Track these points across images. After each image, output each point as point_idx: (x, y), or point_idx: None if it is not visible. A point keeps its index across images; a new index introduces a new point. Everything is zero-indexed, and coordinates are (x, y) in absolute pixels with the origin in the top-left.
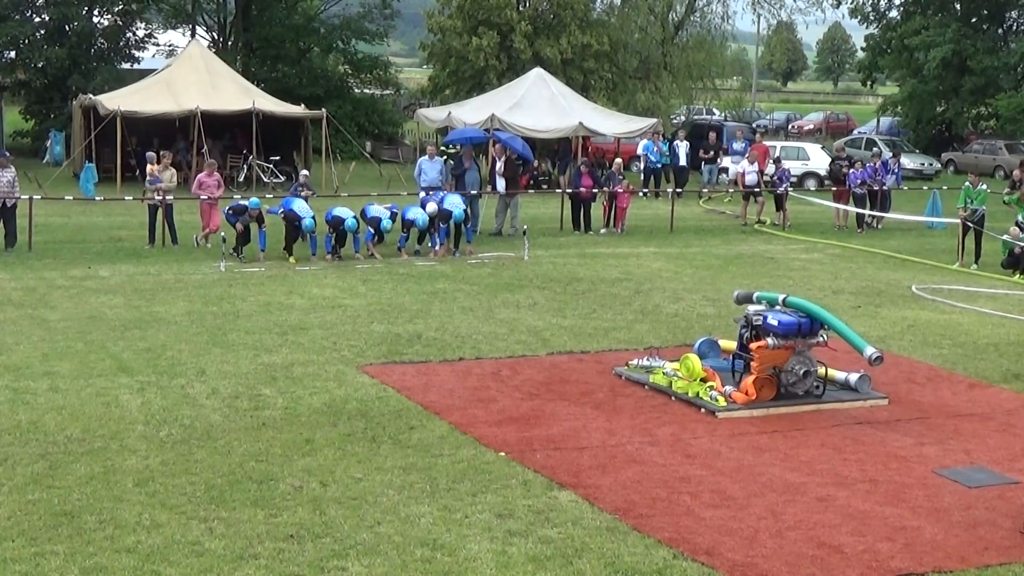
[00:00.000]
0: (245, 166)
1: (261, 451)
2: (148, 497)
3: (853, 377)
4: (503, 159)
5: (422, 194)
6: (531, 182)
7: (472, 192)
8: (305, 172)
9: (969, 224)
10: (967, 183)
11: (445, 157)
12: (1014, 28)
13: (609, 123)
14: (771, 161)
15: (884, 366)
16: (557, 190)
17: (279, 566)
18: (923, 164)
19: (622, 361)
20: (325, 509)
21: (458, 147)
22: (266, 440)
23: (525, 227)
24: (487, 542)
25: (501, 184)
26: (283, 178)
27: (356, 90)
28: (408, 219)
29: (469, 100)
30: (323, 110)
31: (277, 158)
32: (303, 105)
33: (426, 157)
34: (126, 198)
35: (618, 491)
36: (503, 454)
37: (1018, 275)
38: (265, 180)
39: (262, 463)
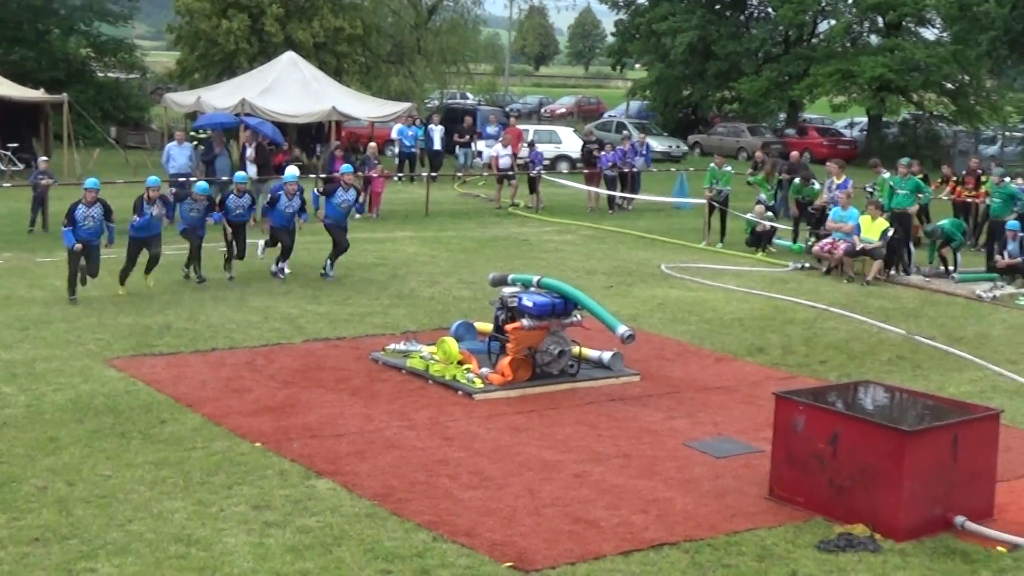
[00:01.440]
0: None
1: (2, 452)
2: None
3: (606, 355)
4: (254, 145)
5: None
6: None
7: (223, 178)
8: (44, 159)
9: (715, 204)
10: (712, 164)
11: (195, 143)
12: (755, 15)
13: (363, 107)
14: (525, 144)
15: (636, 343)
16: (311, 175)
17: (23, 571)
18: (671, 146)
19: (379, 346)
20: (72, 509)
21: (208, 132)
22: (7, 440)
23: None
24: (244, 535)
25: (252, 170)
26: (22, 166)
27: (100, 74)
28: None
29: (219, 84)
30: (64, 95)
31: (15, 145)
32: (43, 89)
33: (174, 143)
34: None
35: (377, 477)
36: (259, 444)
37: (760, 253)
38: (3, 168)
39: (3, 464)
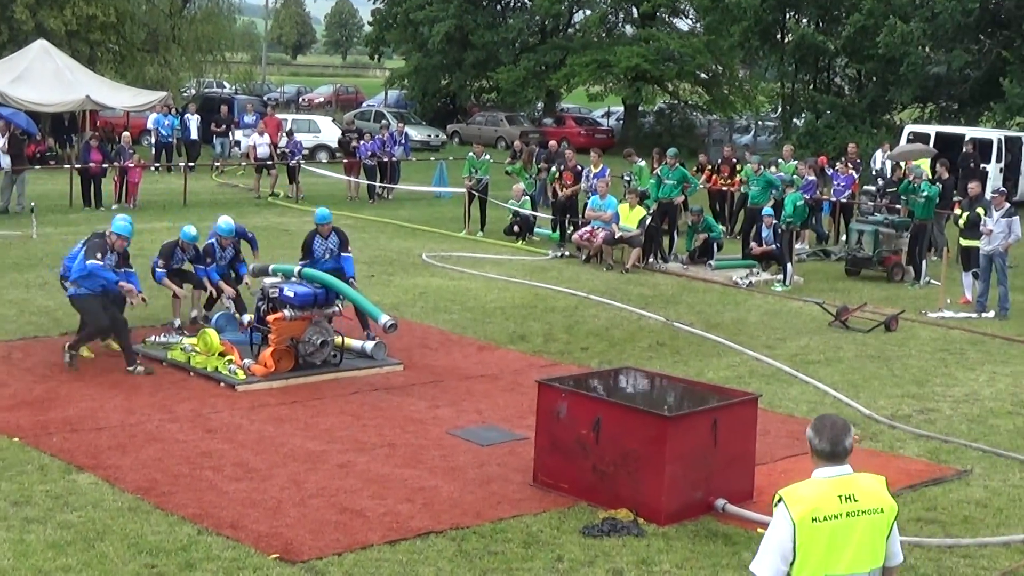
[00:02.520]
0: None
1: None
2: None
3: (369, 345)
4: (7, 135)
5: None
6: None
7: None
8: None
9: (474, 193)
10: (471, 153)
11: None
12: (512, 5)
13: (118, 96)
14: (284, 134)
15: (399, 332)
16: (66, 166)
17: None
18: (430, 136)
19: (137, 339)
20: None
21: None
22: None
23: (32, 204)
24: (3, 531)
25: (5, 161)
26: None
27: None
28: None
29: None
30: None
31: None
32: None
33: None
34: None
35: (139, 470)
36: (17, 439)
37: (520, 241)
38: None
39: None
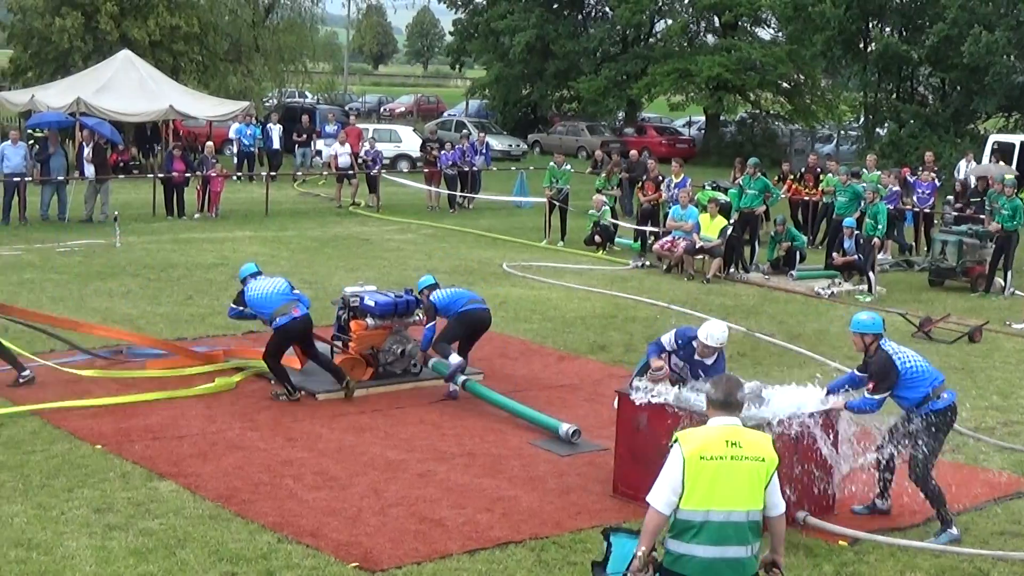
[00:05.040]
0: None
1: None
2: None
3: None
4: (91, 145)
5: None
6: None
7: (59, 178)
8: None
9: (555, 203)
10: (552, 163)
11: (31, 142)
12: (593, 15)
13: (200, 106)
14: (365, 142)
15: (479, 341)
16: (149, 175)
17: None
18: (510, 145)
19: (221, 346)
20: None
21: (43, 131)
22: None
23: (116, 213)
24: (85, 538)
25: (90, 170)
26: None
27: None
28: None
29: (53, 83)
30: None
31: None
32: None
33: (8, 142)
34: None
35: (220, 478)
36: (100, 447)
37: (601, 251)
38: None
39: None
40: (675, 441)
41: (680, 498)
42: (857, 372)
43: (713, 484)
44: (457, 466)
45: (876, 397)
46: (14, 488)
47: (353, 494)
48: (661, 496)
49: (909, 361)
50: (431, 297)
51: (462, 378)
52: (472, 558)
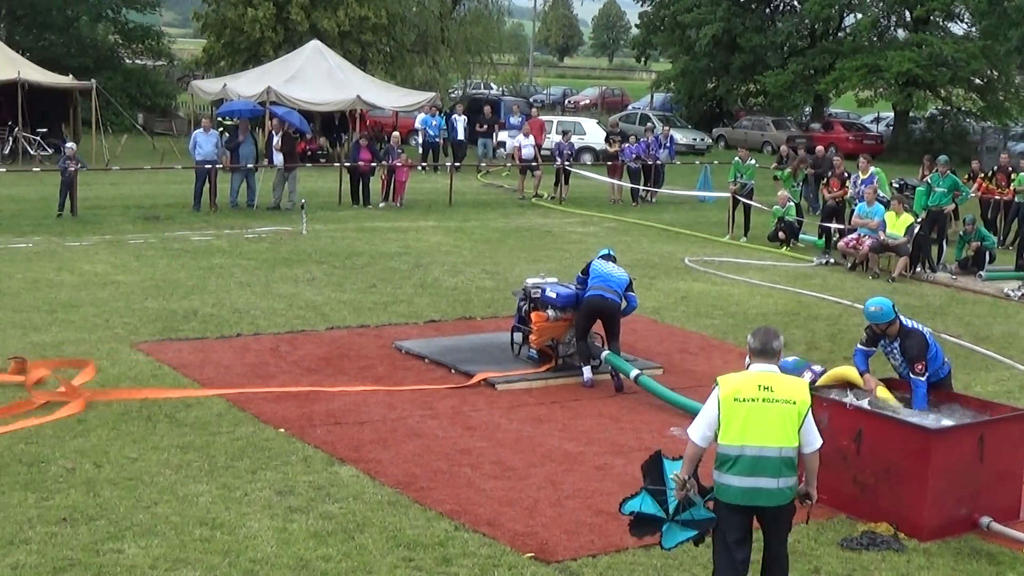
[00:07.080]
0: (11, 138)
1: (31, 433)
2: None
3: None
4: (280, 134)
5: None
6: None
7: (248, 166)
8: (71, 145)
9: (739, 198)
10: (737, 158)
11: (221, 129)
12: (780, 8)
13: (387, 96)
14: (559, 134)
15: (659, 336)
16: (335, 164)
17: (51, 550)
18: (695, 139)
19: (403, 335)
20: (99, 491)
21: (234, 120)
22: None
23: (303, 201)
24: (267, 519)
25: (278, 158)
26: (51, 151)
27: (127, 61)
28: None
29: (245, 72)
30: (92, 81)
31: (44, 130)
32: (71, 76)
33: (201, 130)
34: None
35: (399, 464)
36: (282, 430)
37: (785, 247)
38: (32, 152)
39: (32, 445)
40: (716, 384)
41: (717, 434)
42: (862, 347)
43: (746, 423)
44: (635, 460)
45: (924, 377)
46: (200, 468)
47: (530, 485)
48: (698, 430)
49: (927, 332)
50: (591, 262)
51: (635, 372)
52: (648, 553)
